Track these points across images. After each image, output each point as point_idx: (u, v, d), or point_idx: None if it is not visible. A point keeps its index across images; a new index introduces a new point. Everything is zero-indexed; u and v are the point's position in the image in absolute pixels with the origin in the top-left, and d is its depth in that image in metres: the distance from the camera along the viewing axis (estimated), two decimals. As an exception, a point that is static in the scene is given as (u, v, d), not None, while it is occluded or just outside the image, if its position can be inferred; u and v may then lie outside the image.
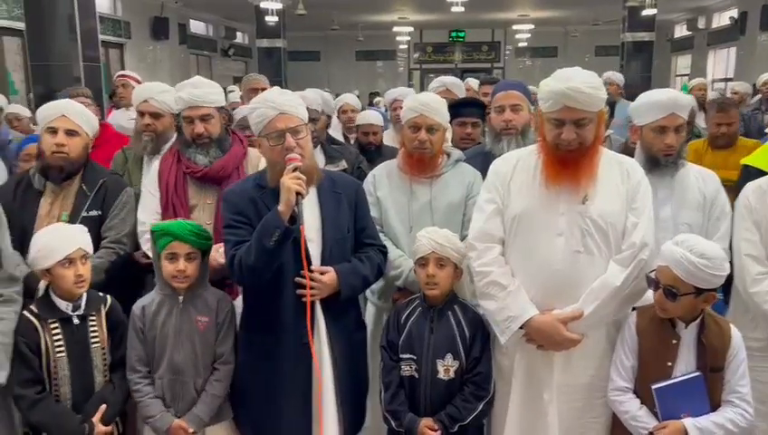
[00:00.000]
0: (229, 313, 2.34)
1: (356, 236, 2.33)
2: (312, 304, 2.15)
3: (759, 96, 6.83)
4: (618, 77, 6.54)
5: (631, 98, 9.62)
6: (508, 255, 2.16)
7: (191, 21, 16.02)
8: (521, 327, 2.08)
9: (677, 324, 2.01)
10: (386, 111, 6.78)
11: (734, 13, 14.49)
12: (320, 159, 3.28)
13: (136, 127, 3.04)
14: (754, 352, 2.25)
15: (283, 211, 2.04)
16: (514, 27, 19.46)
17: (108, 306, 2.31)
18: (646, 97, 2.47)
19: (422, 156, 2.57)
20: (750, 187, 2.37)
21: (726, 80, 15.43)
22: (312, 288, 2.14)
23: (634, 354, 2.07)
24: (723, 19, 15.37)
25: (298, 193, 2.05)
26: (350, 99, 5.05)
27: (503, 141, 2.81)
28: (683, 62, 18.85)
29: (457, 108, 3.22)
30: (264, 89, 4.74)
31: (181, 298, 2.29)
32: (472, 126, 3.27)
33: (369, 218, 2.43)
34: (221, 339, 2.31)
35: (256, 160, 2.70)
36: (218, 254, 2.37)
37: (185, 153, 2.66)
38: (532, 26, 18.85)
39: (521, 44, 20.61)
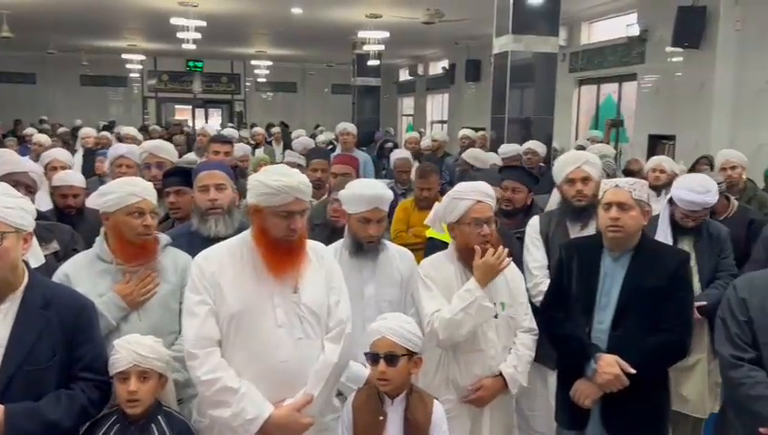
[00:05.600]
0: None
1: (69, 368, 1.99)
2: None
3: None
4: (351, 127, 6.59)
5: (365, 136, 10.30)
6: (229, 355, 2.08)
7: None
8: None
9: (385, 401, 2.14)
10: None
11: (446, 63, 16.50)
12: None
13: None
14: (448, 412, 2.45)
15: None
16: (253, 62, 19.65)
17: None
18: (355, 188, 2.61)
19: (146, 242, 2.36)
20: (427, 260, 2.65)
21: (442, 121, 17.50)
22: None
23: (349, 431, 2.16)
24: (437, 68, 17.39)
25: None
26: (57, 154, 4.39)
27: (210, 220, 2.73)
28: (408, 103, 20.87)
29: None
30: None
31: None
32: (175, 194, 3.12)
33: (94, 347, 2.06)
34: None
35: None
36: None
37: None
38: (271, 62, 19.21)
39: (260, 79, 20.84)
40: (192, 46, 12.16)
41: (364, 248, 2.57)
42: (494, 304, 2.46)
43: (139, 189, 2.36)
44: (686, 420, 3.15)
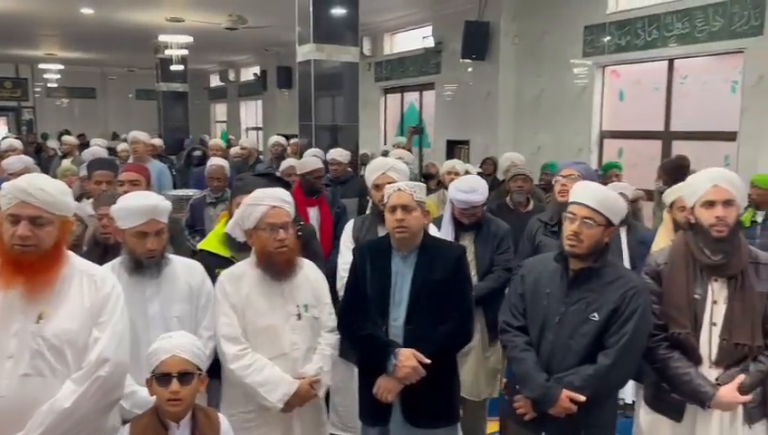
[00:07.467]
0: None
1: None
2: None
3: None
4: (142, 135, 6.18)
5: (174, 143, 9.82)
6: None
7: None
8: None
9: (169, 426, 2.03)
10: None
11: (257, 70, 16.32)
12: None
13: None
14: (250, 422, 2.47)
15: None
16: (42, 66, 17.85)
17: None
18: (126, 201, 2.45)
19: None
20: (225, 274, 2.55)
21: (258, 128, 17.26)
22: None
23: None
24: (249, 74, 17.12)
25: None
26: None
27: None
28: (221, 110, 20.29)
29: None
30: None
31: None
32: None
33: None
34: None
35: None
36: None
37: None
38: (63, 66, 17.58)
39: (52, 84, 18.97)
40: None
41: (144, 265, 2.41)
42: (297, 305, 2.50)
43: None
44: (472, 403, 3.41)
